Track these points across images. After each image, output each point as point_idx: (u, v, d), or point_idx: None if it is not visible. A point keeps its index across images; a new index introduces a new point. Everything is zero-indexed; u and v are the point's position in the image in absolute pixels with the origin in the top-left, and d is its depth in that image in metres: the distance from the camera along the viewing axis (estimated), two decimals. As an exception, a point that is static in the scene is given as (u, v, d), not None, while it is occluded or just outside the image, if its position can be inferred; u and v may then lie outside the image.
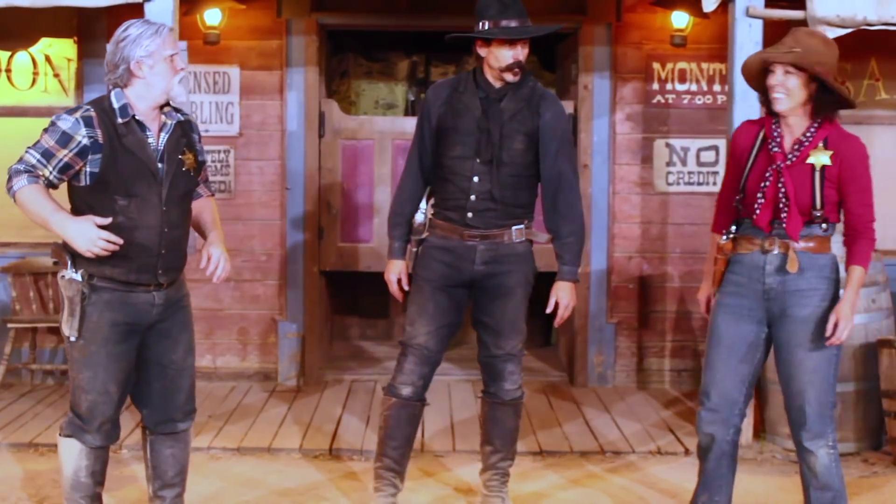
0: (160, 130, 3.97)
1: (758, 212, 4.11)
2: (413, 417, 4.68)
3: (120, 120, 3.88)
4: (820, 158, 4.03)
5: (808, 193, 4.04)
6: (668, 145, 7.20)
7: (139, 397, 4.17)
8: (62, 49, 7.22)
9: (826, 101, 4.04)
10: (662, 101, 7.20)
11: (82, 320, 3.92)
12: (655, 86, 7.20)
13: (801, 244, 4.08)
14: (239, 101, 7.14)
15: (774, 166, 4.08)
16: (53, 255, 4.06)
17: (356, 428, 6.17)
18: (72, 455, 4.06)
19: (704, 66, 7.16)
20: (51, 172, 3.85)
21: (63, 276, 3.94)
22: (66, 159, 3.84)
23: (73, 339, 3.95)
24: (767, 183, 4.09)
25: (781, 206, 4.06)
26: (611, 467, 5.60)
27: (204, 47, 6.97)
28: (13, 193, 3.85)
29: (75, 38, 7.18)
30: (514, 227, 4.58)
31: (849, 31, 5.67)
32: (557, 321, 4.66)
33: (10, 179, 3.86)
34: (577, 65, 7.21)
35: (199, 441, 5.79)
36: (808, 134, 4.07)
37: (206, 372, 7.14)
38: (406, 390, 4.62)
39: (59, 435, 4.10)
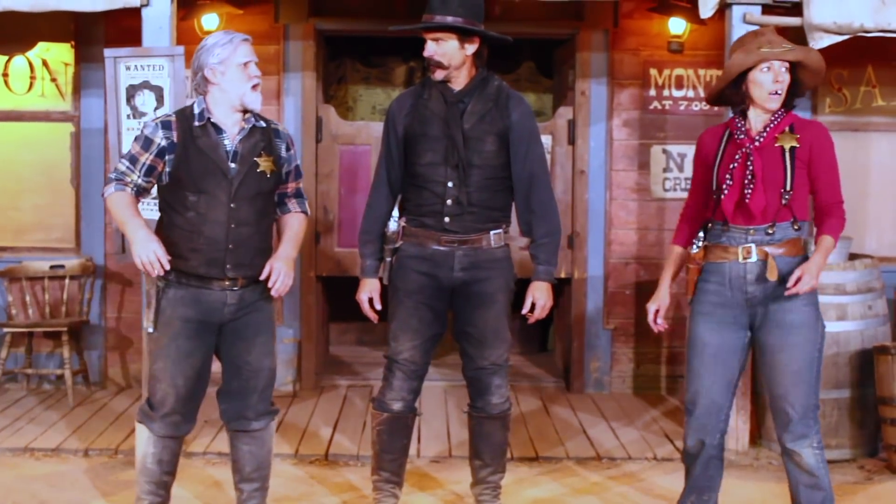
0: (238, 134, 4.20)
1: (725, 192, 4.16)
2: (406, 429, 4.66)
3: (197, 123, 4.19)
4: (787, 141, 4.12)
5: (780, 172, 4.11)
6: (664, 151, 7.21)
7: (219, 392, 4.40)
8: (59, 53, 7.22)
9: (793, 93, 4.21)
10: (659, 107, 7.20)
11: (157, 314, 4.21)
12: (652, 92, 7.20)
13: (777, 249, 4.13)
14: (236, 105, 7.13)
15: (744, 149, 4.17)
16: None
17: (352, 434, 6.16)
18: (142, 440, 4.34)
19: (701, 72, 7.17)
20: (139, 176, 4.18)
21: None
22: (148, 162, 4.18)
23: (149, 330, 4.25)
24: (735, 164, 4.17)
25: (747, 182, 4.12)
26: (608, 474, 5.60)
27: (201, 52, 6.96)
28: (104, 199, 4.22)
29: (73, 43, 7.17)
30: (492, 232, 4.53)
31: (846, 37, 5.68)
32: (531, 321, 4.61)
33: (104, 187, 4.24)
34: (575, 71, 7.21)
35: (194, 446, 5.79)
36: (774, 119, 4.17)
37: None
38: (397, 405, 4.59)
39: (136, 420, 4.37)
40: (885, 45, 6.23)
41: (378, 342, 8.42)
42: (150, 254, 4.02)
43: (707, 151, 4.32)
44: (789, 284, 4.04)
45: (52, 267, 7.04)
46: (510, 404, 4.71)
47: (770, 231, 4.12)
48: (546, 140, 7.13)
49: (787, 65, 4.13)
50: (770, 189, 4.10)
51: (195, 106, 4.21)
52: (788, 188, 4.09)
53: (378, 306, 4.63)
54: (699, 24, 6.72)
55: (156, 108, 5.56)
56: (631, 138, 7.23)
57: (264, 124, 4.30)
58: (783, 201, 4.10)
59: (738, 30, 5.68)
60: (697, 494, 4.42)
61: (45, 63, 7.24)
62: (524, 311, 4.59)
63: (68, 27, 7.09)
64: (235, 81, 4.16)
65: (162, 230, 4.23)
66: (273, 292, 4.24)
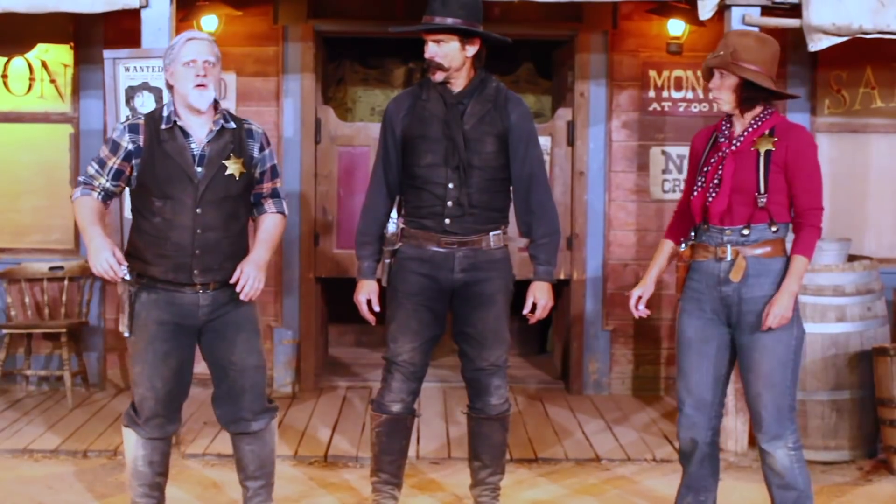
0: (206, 136, 4.15)
1: (694, 194, 4.24)
2: (405, 430, 4.66)
3: (163, 126, 4.12)
4: (764, 144, 4.13)
5: (752, 177, 4.12)
6: (663, 153, 7.21)
7: (213, 398, 4.39)
8: (59, 55, 7.22)
9: (754, 96, 4.15)
10: (658, 108, 7.21)
11: (132, 318, 4.17)
12: (651, 93, 7.21)
13: (753, 250, 4.15)
14: (235, 107, 7.12)
15: (720, 153, 4.20)
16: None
17: (351, 435, 6.16)
18: (129, 444, 4.31)
19: (700, 73, 7.15)
20: (107, 180, 4.16)
21: (121, 276, 4.19)
22: (116, 165, 4.15)
23: (126, 335, 4.21)
24: (709, 168, 4.22)
25: (713, 186, 4.16)
26: (606, 476, 5.60)
27: (200, 53, 6.96)
28: (72, 202, 4.20)
29: (72, 44, 7.17)
30: (491, 233, 4.53)
31: (845, 39, 5.68)
32: (533, 321, 4.62)
33: (73, 189, 4.24)
34: (574, 72, 7.22)
35: (193, 448, 5.79)
36: (754, 124, 4.18)
37: (201, 378, 7.06)
38: (396, 407, 4.59)
39: (122, 425, 4.34)
40: (884, 46, 6.24)
41: (377, 343, 8.42)
42: (102, 263, 3.96)
43: (697, 151, 4.36)
44: (763, 318, 4.08)
45: (51, 268, 7.04)
46: (509, 405, 4.71)
47: (745, 232, 4.15)
48: (545, 141, 7.13)
49: (722, 70, 4.13)
50: (739, 193, 4.13)
51: (165, 108, 4.18)
52: (762, 191, 4.10)
53: (376, 308, 4.63)
54: (698, 25, 6.72)
55: (155, 110, 5.55)
56: (630, 140, 7.23)
57: (234, 125, 4.23)
58: (759, 204, 4.11)
59: (736, 31, 5.68)
60: (694, 495, 4.42)
61: (44, 64, 7.24)
62: (525, 312, 4.60)
63: (67, 28, 7.09)
64: (182, 81, 4.11)
65: (132, 236, 4.21)
66: (242, 296, 4.17)
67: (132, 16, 5.77)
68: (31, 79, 7.24)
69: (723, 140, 4.22)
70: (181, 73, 4.11)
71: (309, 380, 7.27)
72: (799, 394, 5.81)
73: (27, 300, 7.07)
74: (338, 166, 7.28)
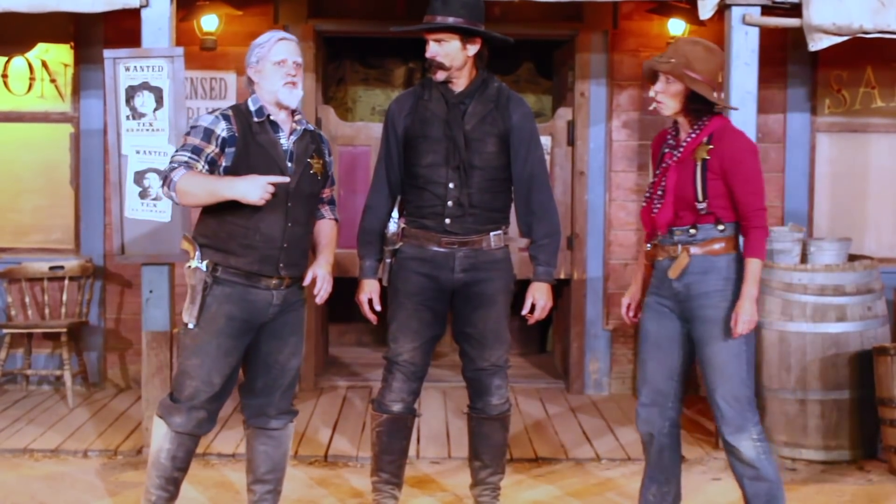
0: (291, 133, 4.22)
1: (643, 204, 4.34)
2: (406, 430, 4.67)
3: (256, 119, 4.19)
4: (700, 153, 4.18)
5: (691, 186, 4.17)
6: (664, 153, 7.20)
7: (242, 387, 4.42)
8: (59, 54, 7.22)
9: (700, 108, 4.21)
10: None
11: (201, 310, 4.15)
12: (652, 93, 7.17)
13: (699, 249, 4.19)
14: (235, 107, 7.13)
15: (664, 164, 4.28)
16: (182, 246, 4.28)
17: (352, 435, 6.16)
18: (158, 435, 4.29)
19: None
20: (203, 166, 4.07)
21: (189, 266, 4.19)
22: (212, 154, 4.10)
23: (190, 326, 4.17)
24: (655, 179, 4.31)
25: (657, 197, 4.25)
26: (607, 476, 5.60)
27: (201, 53, 6.97)
28: (174, 186, 3.99)
29: (72, 44, 7.18)
30: (492, 233, 4.54)
31: (845, 38, 5.68)
32: (531, 321, 4.63)
33: (165, 179, 4.04)
34: (574, 72, 7.22)
35: (194, 447, 5.79)
36: (693, 131, 4.24)
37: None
38: (396, 406, 4.60)
39: (155, 414, 4.32)
40: (885, 46, 6.24)
41: (377, 343, 8.42)
42: (263, 186, 3.90)
43: (653, 158, 4.45)
44: (732, 327, 4.12)
45: (51, 268, 7.04)
46: (510, 405, 4.72)
47: (692, 232, 4.21)
48: (545, 141, 7.13)
49: (668, 76, 4.19)
50: (682, 201, 4.19)
51: (250, 103, 4.22)
52: (701, 199, 4.16)
53: (377, 307, 4.64)
54: (698, 25, 6.71)
55: (155, 110, 5.56)
56: (630, 139, 7.23)
57: (312, 128, 4.35)
58: (700, 211, 4.17)
59: (737, 31, 5.68)
60: (658, 486, 4.45)
61: (44, 64, 7.24)
62: (524, 312, 4.60)
63: (68, 28, 7.10)
64: (271, 78, 4.18)
65: (209, 225, 4.19)
66: (318, 300, 4.29)
67: (132, 15, 5.77)
68: (32, 78, 7.24)
69: (667, 150, 4.30)
70: (270, 70, 4.18)
71: (309, 379, 7.27)
72: (799, 394, 5.85)
73: (27, 300, 7.07)
74: (338, 166, 7.27)
